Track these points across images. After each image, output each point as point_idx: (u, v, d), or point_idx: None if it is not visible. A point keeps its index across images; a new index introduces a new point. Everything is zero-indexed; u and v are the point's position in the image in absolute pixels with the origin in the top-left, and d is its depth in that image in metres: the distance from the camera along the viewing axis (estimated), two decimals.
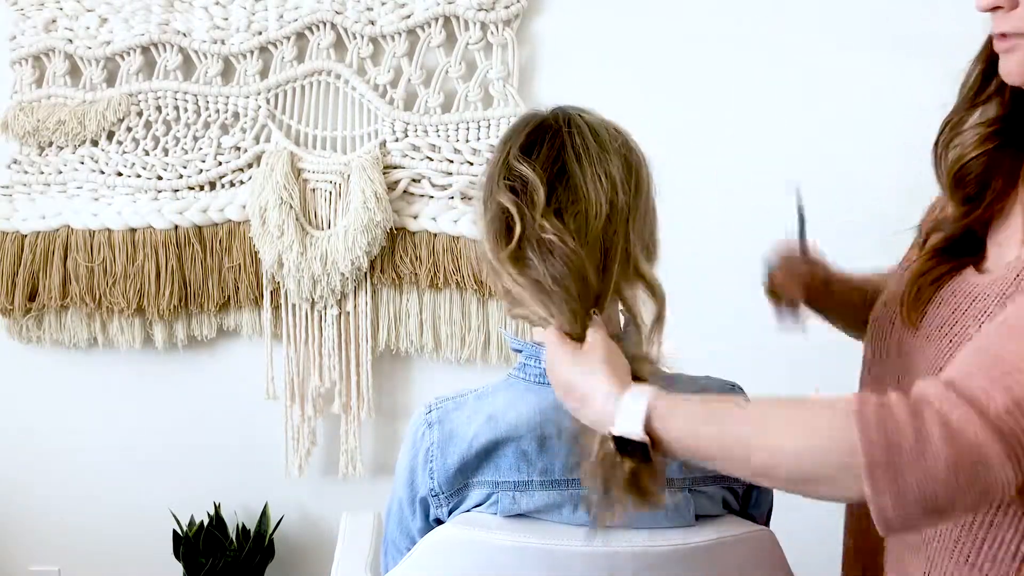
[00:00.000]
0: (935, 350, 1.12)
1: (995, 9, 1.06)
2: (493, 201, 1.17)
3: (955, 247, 1.17)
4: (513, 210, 1.14)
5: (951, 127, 1.18)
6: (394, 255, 2.34)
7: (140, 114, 2.36)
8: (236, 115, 2.35)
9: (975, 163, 1.14)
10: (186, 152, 2.36)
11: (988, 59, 1.13)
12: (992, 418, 0.87)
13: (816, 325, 1.48)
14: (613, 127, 1.22)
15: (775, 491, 1.34)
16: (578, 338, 1.10)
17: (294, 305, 2.38)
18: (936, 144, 1.20)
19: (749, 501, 1.29)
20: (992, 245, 1.16)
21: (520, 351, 1.25)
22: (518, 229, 1.14)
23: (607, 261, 1.15)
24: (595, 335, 1.09)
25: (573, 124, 1.19)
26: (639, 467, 1.01)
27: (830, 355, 1.56)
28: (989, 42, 1.13)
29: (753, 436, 0.96)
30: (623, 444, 1.00)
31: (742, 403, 1.02)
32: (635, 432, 0.99)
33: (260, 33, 2.31)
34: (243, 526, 2.44)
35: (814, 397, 0.97)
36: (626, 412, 1.00)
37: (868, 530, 1.27)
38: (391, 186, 2.31)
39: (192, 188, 2.37)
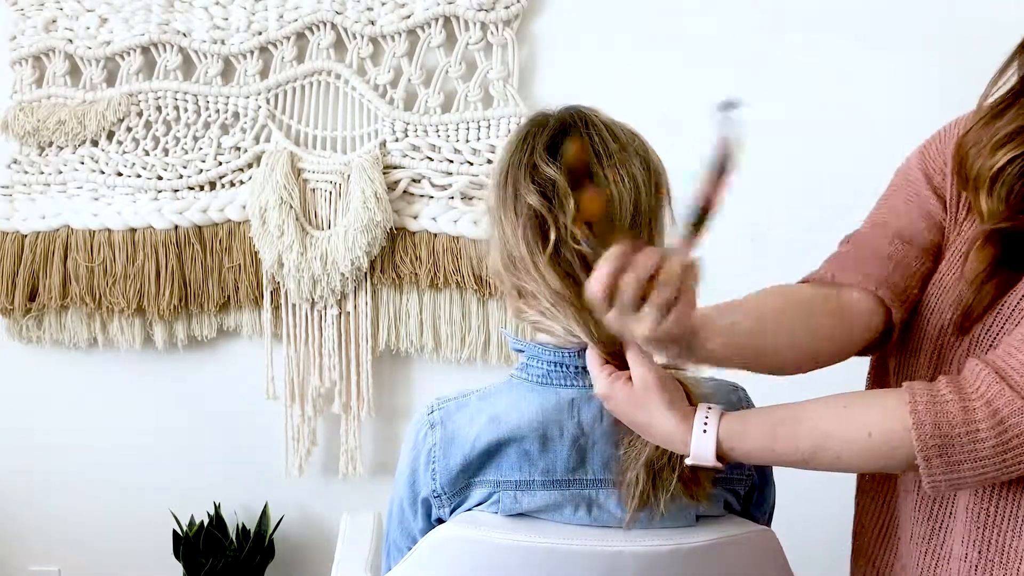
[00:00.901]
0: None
1: None
2: (522, 202, 1.16)
3: (1009, 254, 1.13)
4: (546, 214, 1.13)
5: (985, 122, 1.15)
6: (394, 255, 2.34)
7: (140, 114, 2.36)
8: (236, 115, 2.35)
9: (1017, 163, 1.11)
10: (186, 152, 2.36)
11: None
12: None
13: None
14: (628, 128, 1.22)
15: (775, 491, 1.35)
16: (617, 355, 1.11)
17: (294, 305, 2.38)
18: (962, 140, 1.17)
19: (751, 501, 1.29)
20: None
21: (522, 351, 1.25)
22: (553, 235, 1.13)
23: None
24: (641, 368, 1.09)
25: (591, 124, 1.19)
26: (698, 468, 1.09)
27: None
28: None
29: (818, 446, 1.04)
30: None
31: (798, 409, 1.06)
32: (710, 462, 1.07)
33: (260, 33, 2.31)
34: (243, 526, 2.44)
35: (863, 393, 1.07)
36: (698, 446, 1.06)
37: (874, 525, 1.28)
38: (391, 186, 2.31)
39: (192, 188, 2.37)
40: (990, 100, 1.16)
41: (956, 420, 0.97)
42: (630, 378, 1.10)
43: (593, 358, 1.13)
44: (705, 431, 1.06)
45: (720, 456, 1.07)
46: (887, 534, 1.26)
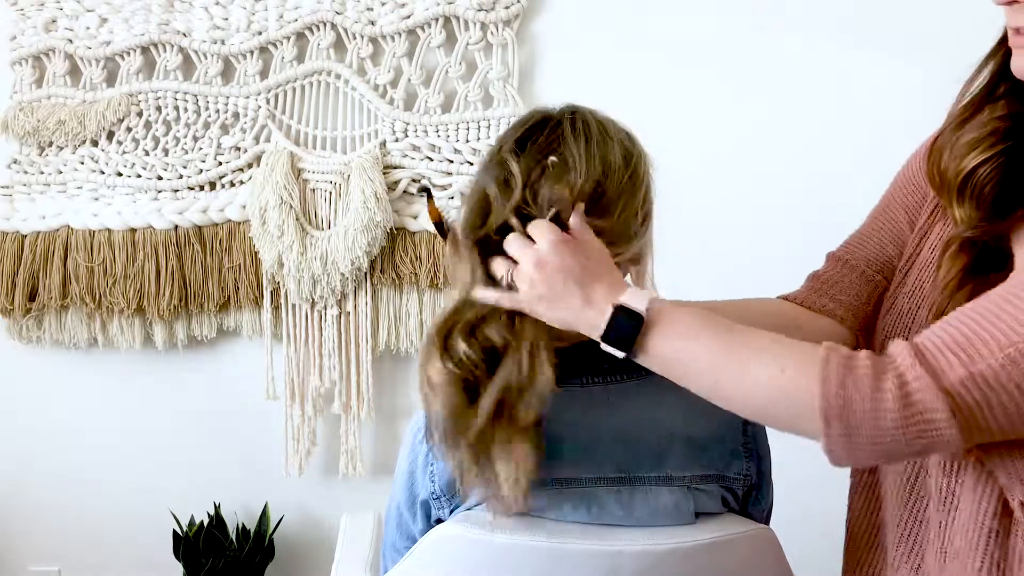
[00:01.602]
0: None
1: (1012, 3, 1.05)
2: (479, 187, 1.19)
3: (983, 259, 1.13)
4: (492, 202, 1.16)
5: (955, 127, 1.16)
6: (394, 255, 2.34)
7: (140, 114, 2.36)
8: (236, 115, 2.35)
9: (987, 167, 1.12)
10: (186, 152, 2.36)
11: (1003, 56, 1.11)
12: (946, 386, 0.96)
13: None
14: (619, 124, 1.23)
15: (774, 491, 1.35)
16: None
17: (294, 305, 2.38)
18: (934, 144, 1.18)
19: (749, 499, 1.29)
20: (1020, 255, 1.11)
21: None
22: (491, 219, 1.15)
23: None
24: (590, 234, 1.12)
25: (579, 114, 1.21)
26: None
27: None
28: (1003, 39, 1.11)
29: (734, 360, 1.04)
30: (613, 335, 1.07)
31: (729, 326, 1.06)
32: (640, 308, 1.05)
33: (260, 33, 2.31)
34: (243, 526, 2.44)
35: (795, 342, 1.04)
36: (633, 295, 1.07)
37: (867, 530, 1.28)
38: (391, 186, 2.31)
39: (192, 188, 2.37)
40: (961, 104, 1.16)
41: (864, 386, 0.97)
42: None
43: (539, 221, 1.13)
44: (642, 292, 1.08)
45: (646, 321, 1.05)
46: (875, 544, 1.27)
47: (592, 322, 1.08)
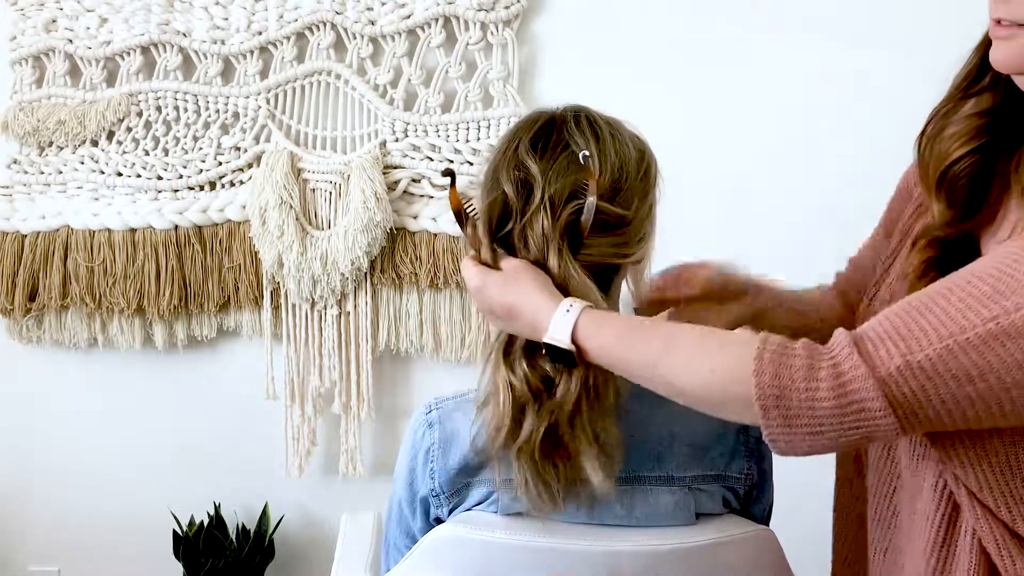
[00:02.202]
0: None
1: None
2: (498, 189, 1.19)
3: (950, 255, 1.15)
4: (513, 203, 1.17)
5: (940, 116, 1.17)
6: (394, 255, 2.34)
7: (140, 114, 2.36)
8: (236, 115, 2.35)
9: (964, 162, 1.13)
10: (186, 152, 2.36)
11: (987, 49, 1.12)
12: (883, 375, 0.97)
13: None
14: (628, 126, 1.24)
15: (774, 491, 1.35)
16: (493, 266, 1.17)
17: (294, 305, 2.38)
18: (922, 135, 1.19)
19: (750, 499, 1.29)
20: (986, 252, 1.13)
21: None
22: (509, 225, 1.17)
23: None
24: (514, 262, 1.15)
25: (588, 113, 1.22)
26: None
27: None
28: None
29: (663, 355, 1.06)
30: (554, 352, 1.10)
31: (662, 322, 1.10)
32: (563, 341, 1.08)
33: (260, 33, 2.31)
34: (243, 526, 2.44)
35: (728, 332, 1.07)
36: (556, 325, 1.09)
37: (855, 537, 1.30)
38: (391, 186, 2.31)
39: (192, 188, 2.37)
40: (946, 94, 1.18)
41: (798, 376, 0.98)
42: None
43: (467, 261, 1.18)
44: (568, 312, 1.09)
45: (576, 344, 1.09)
46: (860, 538, 1.29)
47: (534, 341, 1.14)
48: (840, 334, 1.01)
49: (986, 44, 1.12)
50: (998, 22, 1.06)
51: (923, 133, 1.19)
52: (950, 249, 1.15)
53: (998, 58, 1.08)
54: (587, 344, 1.09)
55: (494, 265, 1.17)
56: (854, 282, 1.38)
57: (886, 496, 1.20)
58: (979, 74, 1.14)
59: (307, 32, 2.31)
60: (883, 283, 1.27)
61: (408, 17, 2.27)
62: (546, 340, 1.10)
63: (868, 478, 1.25)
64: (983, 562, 1.08)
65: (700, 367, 1.04)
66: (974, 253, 1.14)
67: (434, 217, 2.32)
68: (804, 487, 1.66)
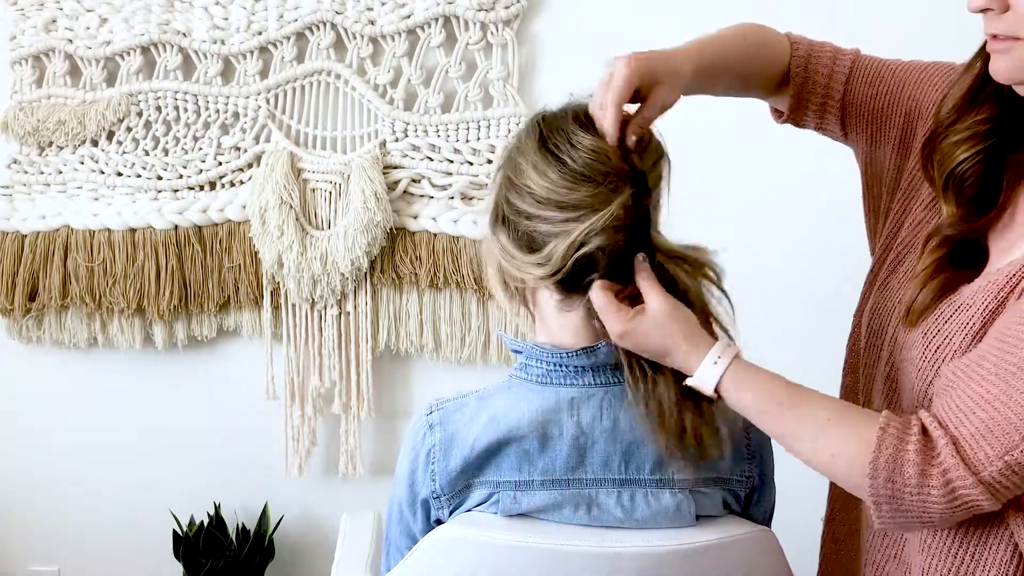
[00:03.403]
0: (919, 355, 1.17)
1: (985, 11, 1.09)
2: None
3: (960, 253, 1.18)
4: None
5: (946, 125, 1.19)
6: (394, 255, 2.34)
7: (140, 114, 2.36)
8: (236, 115, 2.35)
9: (970, 163, 1.16)
10: (186, 152, 2.36)
11: (984, 60, 1.15)
12: (985, 478, 1.04)
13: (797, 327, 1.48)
14: None
15: (775, 493, 1.35)
16: (622, 292, 1.17)
17: (294, 305, 2.38)
18: (927, 142, 1.22)
19: (751, 502, 1.29)
20: (994, 252, 1.17)
21: (520, 352, 1.25)
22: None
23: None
24: (657, 297, 1.16)
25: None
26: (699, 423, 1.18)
27: (817, 355, 1.56)
28: (985, 44, 1.15)
29: (792, 431, 1.13)
30: (690, 390, 1.17)
31: (801, 398, 1.14)
32: (707, 391, 1.15)
33: (260, 33, 2.31)
34: (243, 526, 2.44)
35: (850, 410, 1.13)
36: (703, 374, 1.15)
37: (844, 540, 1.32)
38: (391, 186, 2.31)
39: (192, 188, 2.37)
40: (948, 104, 1.21)
41: (911, 483, 1.06)
42: (641, 310, 1.16)
43: (602, 296, 1.16)
44: (716, 363, 1.15)
45: (717, 390, 1.15)
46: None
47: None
48: (936, 432, 1.06)
49: (982, 56, 1.16)
50: (994, 36, 1.09)
51: (927, 141, 1.22)
52: (960, 248, 1.18)
53: (998, 70, 1.10)
54: (726, 397, 1.16)
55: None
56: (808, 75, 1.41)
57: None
58: (980, 88, 1.17)
59: (307, 32, 2.31)
60: (896, 272, 1.29)
61: (408, 17, 2.27)
62: (689, 383, 1.16)
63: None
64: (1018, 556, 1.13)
65: (823, 450, 1.11)
66: (982, 251, 1.17)
67: (434, 217, 2.32)
68: (806, 490, 1.66)
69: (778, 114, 1.46)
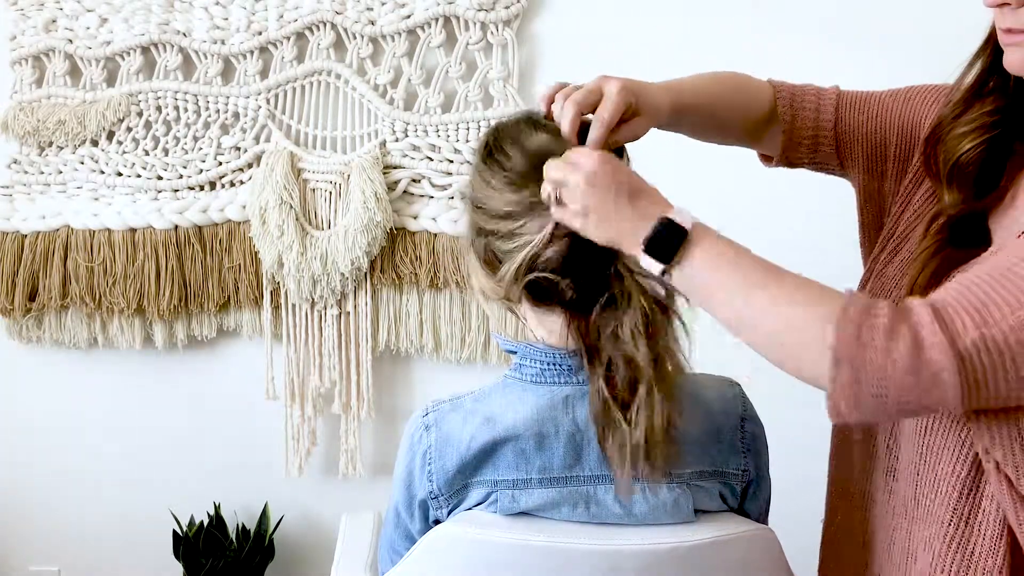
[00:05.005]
0: None
1: (1002, 5, 1.10)
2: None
3: (961, 235, 1.18)
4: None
5: (950, 119, 1.20)
6: (394, 255, 2.34)
7: (140, 114, 2.36)
8: (236, 115, 2.35)
9: (973, 152, 1.17)
10: (186, 152, 2.37)
11: (992, 52, 1.16)
12: (960, 347, 0.97)
13: None
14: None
15: (771, 486, 1.35)
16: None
17: (294, 305, 2.38)
18: (931, 135, 1.23)
19: (746, 495, 1.29)
20: (997, 232, 1.17)
21: (515, 352, 1.25)
22: None
23: None
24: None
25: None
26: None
27: None
28: (989, 38, 1.16)
29: (769, 280, 1.06)
30: (656, 241, 1.08)
31: (764, 261, 1.09)
32: (687, 221, 1.08)
33: (260, 33, 2.31)
34: (243, 526, 2.44)
35: (819, 284, 1.06)
36: (682, 210, 1.10)
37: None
38: (391, 186, 2.31)
39: (192, 188, 2.37)
40: (954, 98, 1.21)
41: (879, 334, 0.98)
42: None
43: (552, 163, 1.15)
44: (684, 209, 1.10)
45: (680, 243, 1.08)
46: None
47: (636, 231, 1.09)
48: (916, 301, 1.01)
49: (989, 50, 1.17)
50: (1009, 30, 1.10)
51: (931, 132, 1.23)
52: (960, 230, 1.18)
53: (1013, 62, 1.11)
54: (702, 240, 1.08)
55: None
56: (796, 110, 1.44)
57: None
58: (986, 77, 1.18)
59: (307, 32, 2.31)
60: (892, 262, 1.29)
61: (408, 17, 2.28)
62: (671, 216, 1.09)
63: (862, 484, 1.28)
64: (1007, 532, 1.11)
65: (788, 305, 1.04)
66: (984, 234, 1.17)
67: (434, 217, 2.32)
68: (806, 487, 1.66)
69: (767, 159, 1.47)
